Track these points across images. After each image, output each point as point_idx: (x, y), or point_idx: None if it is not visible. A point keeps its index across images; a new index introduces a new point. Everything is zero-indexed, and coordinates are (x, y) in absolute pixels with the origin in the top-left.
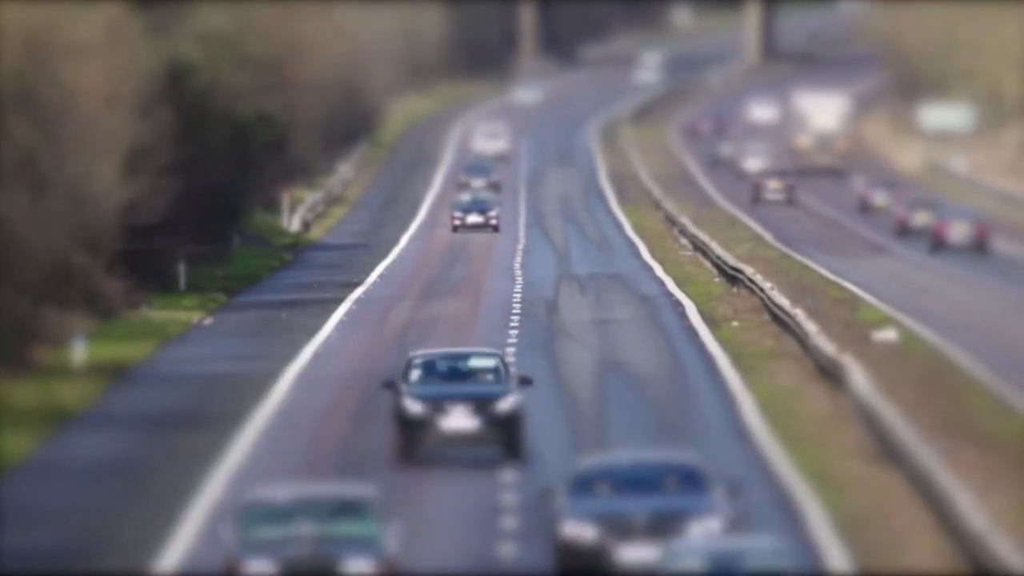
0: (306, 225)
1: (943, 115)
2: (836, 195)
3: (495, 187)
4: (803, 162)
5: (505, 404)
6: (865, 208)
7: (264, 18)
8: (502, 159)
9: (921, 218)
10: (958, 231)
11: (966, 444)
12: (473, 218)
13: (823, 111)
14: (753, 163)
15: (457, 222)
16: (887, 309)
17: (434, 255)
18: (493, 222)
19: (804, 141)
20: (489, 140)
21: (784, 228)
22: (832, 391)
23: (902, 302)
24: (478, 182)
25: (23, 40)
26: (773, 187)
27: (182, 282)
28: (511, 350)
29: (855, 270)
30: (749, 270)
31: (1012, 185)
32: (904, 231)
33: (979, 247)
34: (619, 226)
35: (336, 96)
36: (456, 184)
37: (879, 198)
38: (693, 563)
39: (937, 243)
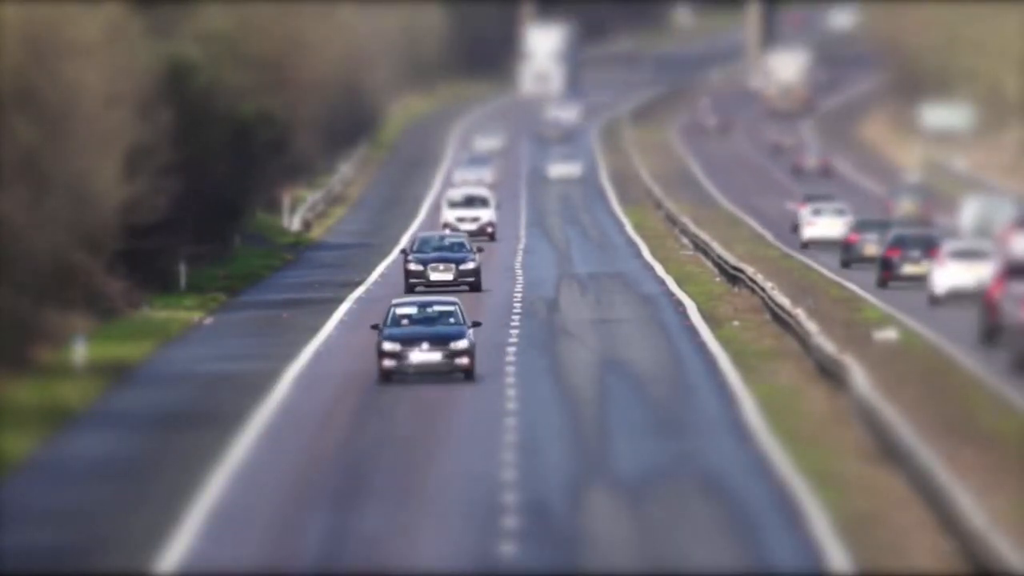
0: (307, 224)
1: (944, 115)
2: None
3: (467, 279)
4: (769, 106)
5: None
6: (776, 151)
7: (264, 17)
8: (486, 233)
9: (809, 161)
10: (809, 161)
11: (966, 444)
12: (420, 356)
13: (786, 65)
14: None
15: (389, 362)
16: (887, 308)
17: None
18: (463, 364)
19: (771, 90)
20: (461, 211)
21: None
22: (832, 391)
23: (902, 301)
24: (439, 274)
25: (24, 40)
26: (711, 121)
27: (183, 282)
28: (512, 349)
29: (854, 269)
30: (750, 269)
31: (1012, 185)
32: (799, 171)
33: (825, 173)
34: (620, 226)
35: (336, 96)
36: (405, 274)
37: (788, 142)
38: None
39: (797, 169)
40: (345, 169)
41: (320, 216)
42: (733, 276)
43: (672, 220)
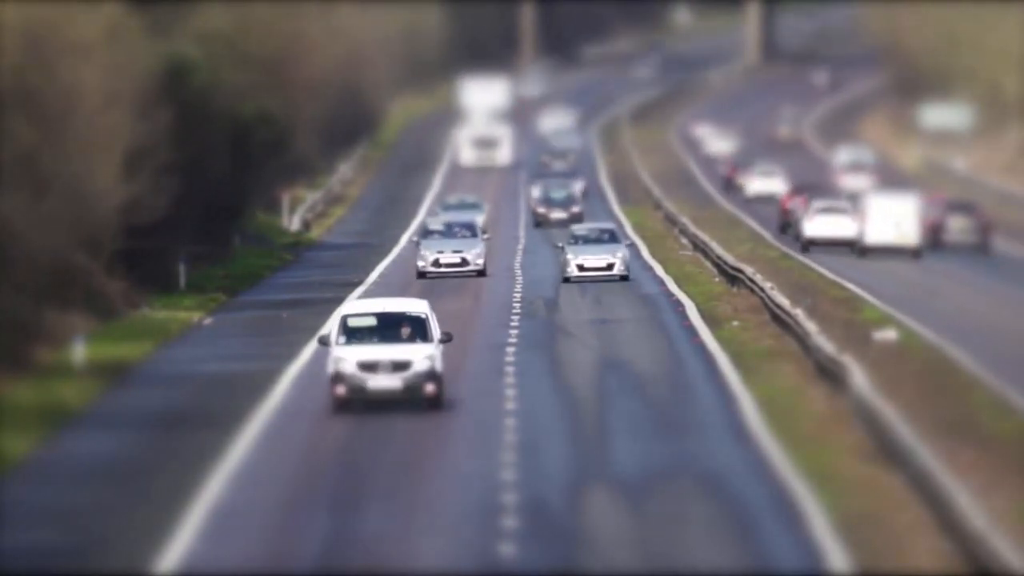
0: (306, 225)
1: (943, 115)
2: None
3: None
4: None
5: None
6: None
7: (264, 17)
8: (425, 395)
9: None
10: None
11: (966, 444)
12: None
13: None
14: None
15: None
16: (887, 308)
17: None
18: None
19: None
20: (370, 348)
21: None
22: (832, 391)
23: (902, 301)
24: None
25: (23, 39)
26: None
27: (182, 282)
28: (511, 349)
29: (853, 269)
30: (749, 270)
31: (1012, 185)
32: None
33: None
34: (619, 226)
35: (336, 96)
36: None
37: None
38: None
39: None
40: (344, 169)
41: (320, 216)
42: (732, 276)
43: (671, 220)
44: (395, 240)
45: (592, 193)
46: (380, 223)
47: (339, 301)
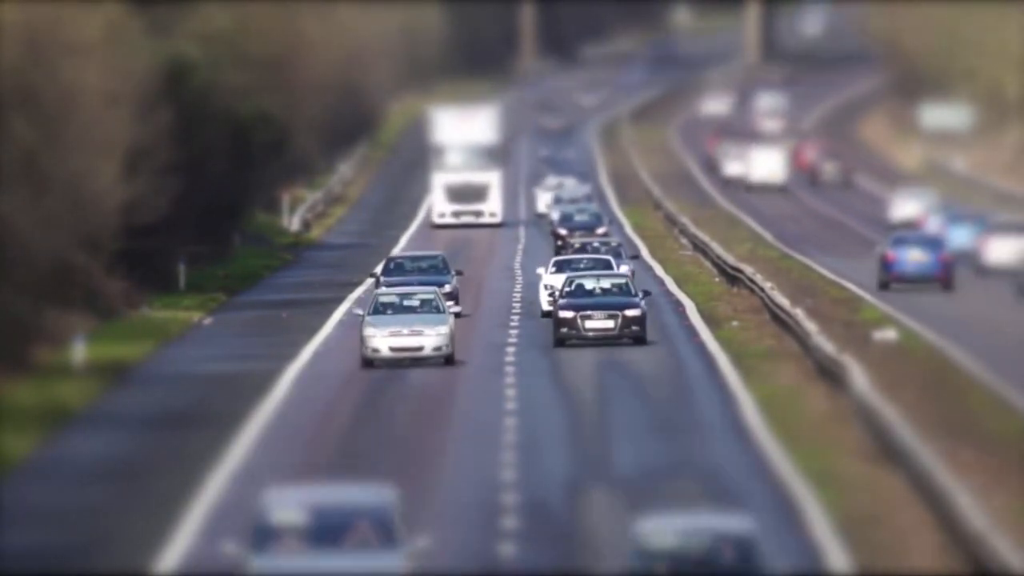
0: (306, 225)
1: (943, 115)
2: None
3: None
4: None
5: None
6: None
7: (264, 17)
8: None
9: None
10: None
11: (966, 444)
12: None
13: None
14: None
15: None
16: (886, 308)
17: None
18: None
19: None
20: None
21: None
22: (832, 391)
23: (901, 302)
24: None
25: (23, 39)
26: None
27: (182, 282)
28: (511, 349)
29: (854, 270)
30: (749, 270)
31: (1012, 185)
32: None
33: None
34: (619, 226)
35: (336, 96)
36: None
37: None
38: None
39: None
40: (345, 169)
41: (320, 216)
42: (732, 276)
43: (671, 220)
44: (395, 240)
45: (592, 194)
46: (380, 223)
47: (338, 301)
